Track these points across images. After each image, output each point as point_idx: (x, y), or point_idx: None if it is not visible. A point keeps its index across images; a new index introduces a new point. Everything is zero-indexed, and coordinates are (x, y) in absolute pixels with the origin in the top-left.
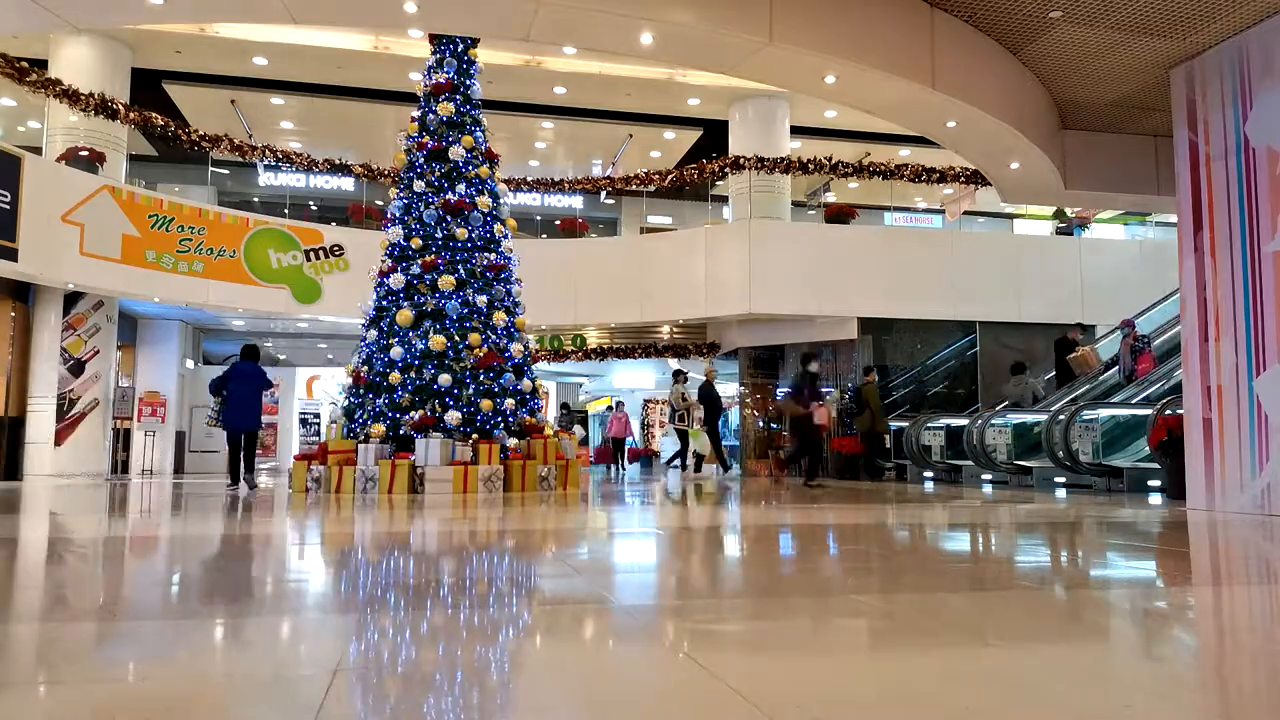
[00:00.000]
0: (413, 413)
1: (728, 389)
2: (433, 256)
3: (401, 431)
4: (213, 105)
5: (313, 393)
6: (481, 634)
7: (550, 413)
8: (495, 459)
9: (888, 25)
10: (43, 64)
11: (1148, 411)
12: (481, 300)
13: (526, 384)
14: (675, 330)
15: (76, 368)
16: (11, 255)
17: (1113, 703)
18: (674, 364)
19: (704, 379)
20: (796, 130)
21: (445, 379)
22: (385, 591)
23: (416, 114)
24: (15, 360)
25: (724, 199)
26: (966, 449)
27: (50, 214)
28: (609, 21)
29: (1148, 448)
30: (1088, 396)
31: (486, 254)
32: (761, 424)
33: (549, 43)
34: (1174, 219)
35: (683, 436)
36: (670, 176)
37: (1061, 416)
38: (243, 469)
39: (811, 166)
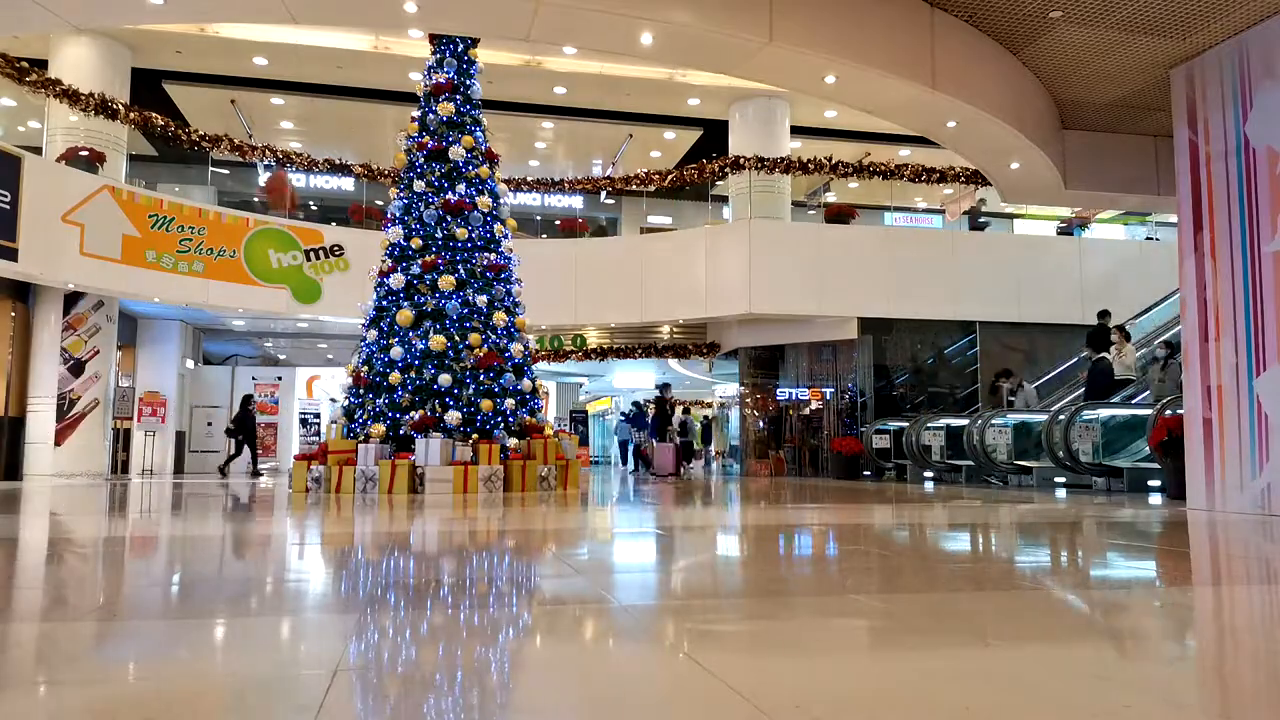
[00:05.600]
0: (413, 413)
1: (728, 389)
2: (433, 256)
3: (401, 431)
4: (213, 105)
5: (313, 393)
6: (482, 634)
7: (551, 413)
8: (495, 459)
9: (888, 25)
10: (43, 64)
11: (1148, 411)
12: (481, 300)
13: (526, 384)
14: (675, 330)
15: (76, 368)
16: (11, 255)
17: (1113, 703)
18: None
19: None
20: (796, 130)
21: (445, 379)
22: (385, 591)
23: (416, 114)
24: (15, 360)
25: (724, 199)
26: (966, 449)
27: (50, 214)
28: (609, 21)
29: (1147, 448)
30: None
31: (486, 254)
32: (761, 425)
33: (549, 43)
34: (1174, 219)
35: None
36: (670, 176)
37: (1062, 416)
38: None
39: (811, 166)
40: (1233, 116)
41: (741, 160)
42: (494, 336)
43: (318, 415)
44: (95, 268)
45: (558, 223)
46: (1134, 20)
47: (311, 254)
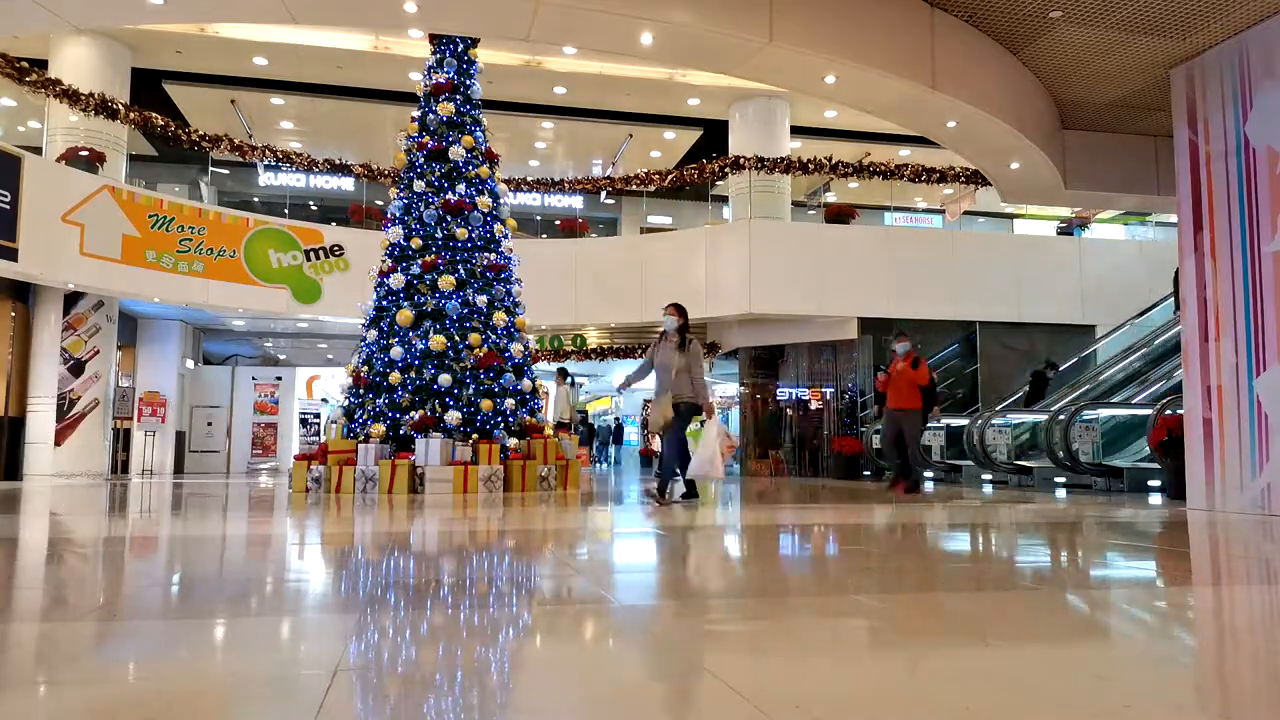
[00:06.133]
0: (413, 413)
1: (728, 389)
2: (433, 256)
3: (401, 431)
4: (213, 105)
5: (313, 393)
6: (482, 634)
7: (551, 413)
8: (495, 459)
9: (888, 25)
10: (43, 64)
11: (1148, 411)
12: (481, 300)
13: (526, 384)
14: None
15: (76, 368)
16: (11, 255)
17: (1113, 703)
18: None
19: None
20: (796, 130)
21: (445, 379)
22: (386, 591)
23: (416, 114)
24: (15, 360)
25: (724, 199)
26: (966, 449)
27: (50, 214)
28: (609, 21)
29: (1148, 448)
30: (1088, 397)
31: (486, 254)
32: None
33: (549, 43)
34: (1174, 219)
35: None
36: (670, 176)
37: (1062, 416)
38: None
39: (811, 166)
40: (1233, 116)
41: (741, 160)
42: (494, 336)
43: (318, 415)
44: (95, 268)
45: (558, 223)
46: (1134, 20)
47: (311, 254)
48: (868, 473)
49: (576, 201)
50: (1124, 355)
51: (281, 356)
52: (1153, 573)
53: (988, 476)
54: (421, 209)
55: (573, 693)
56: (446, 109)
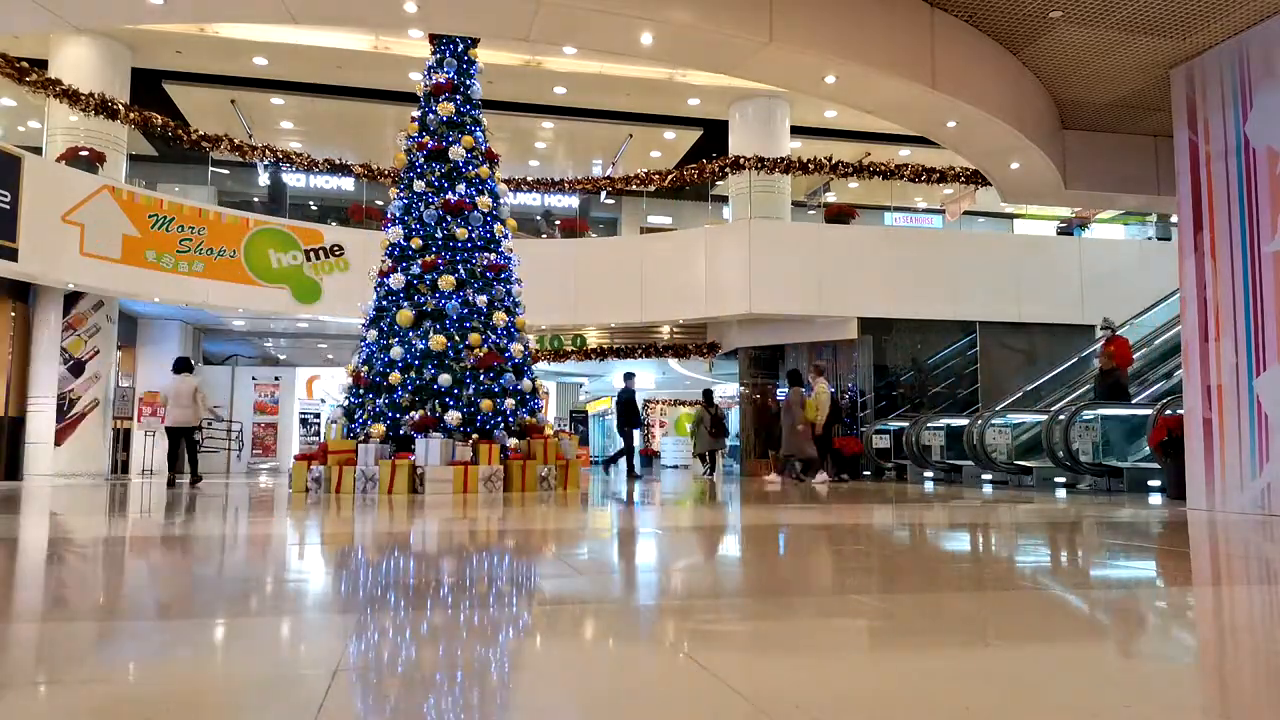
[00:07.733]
0: (413, 413)
1: (728, 389)
2: (433, 256)
3: (401, 431)
4: (213, 105)
5: (313, 393)
6: (481, 634)
7: (551, 413)
8: (495, 459)
9: (888, 25)
10: (43, 64)
11: (1148, 411)
12: (481, 300)
13: (526, 384)
14: (675, 330)
15: (76, 368)
16: (11, 255)
17: (1113, 703)
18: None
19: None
20: (796, 130)
21: (445, 379)
22: (386, 591)
23: (416, 114)
24: (15, 360)
25: (724, 199)
26: (966, 449)
27: (50, 214)
28: (609, 21)
29: (1148, 448)
30: (1088, 397)
31: (486, 254)
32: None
33: (549, 43)
34: (1174, 219)
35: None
36: (670, 176)
37: (1062, 416)
38: None
39: (811, 166)
40: (1233, 116)
41: (741, 160)
42: (494, 336)
43: (318, 415)
44: (95, 268)
45: (558, 222)
46: (1134, 20)
47: (311, 254)
48: (867, 473)
49: (576, 201)
50: None
51: (281, 356)
52: (1153, 573)
53: (988, 476)
54: (421, 209)
55: (572, 693)
56: (446, 109)
